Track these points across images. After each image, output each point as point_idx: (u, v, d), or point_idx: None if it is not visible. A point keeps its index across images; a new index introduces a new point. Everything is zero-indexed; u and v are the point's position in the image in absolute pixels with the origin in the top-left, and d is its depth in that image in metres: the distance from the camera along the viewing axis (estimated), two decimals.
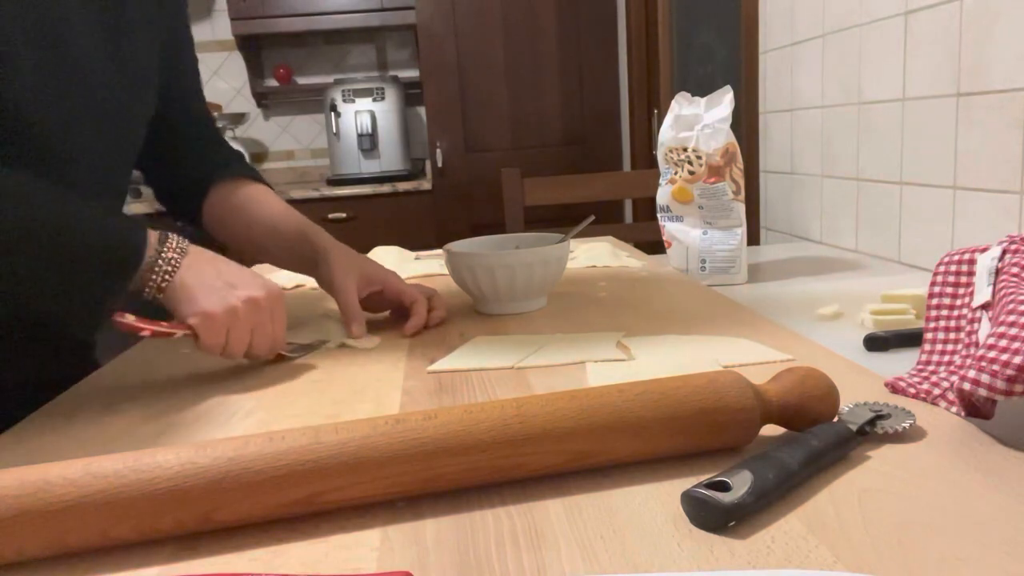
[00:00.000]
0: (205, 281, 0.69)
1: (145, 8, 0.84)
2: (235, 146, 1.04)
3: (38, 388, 0.75)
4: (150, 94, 0.87)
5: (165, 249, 0.69)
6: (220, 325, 0.69)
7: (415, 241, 1.80)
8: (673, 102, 1.16)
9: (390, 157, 3.25)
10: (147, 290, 0.68)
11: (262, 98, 3.47)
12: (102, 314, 0.66)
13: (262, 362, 0.77)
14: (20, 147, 0.70)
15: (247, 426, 0.60)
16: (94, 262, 0.66)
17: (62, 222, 0.66)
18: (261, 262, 0.98)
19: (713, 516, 0.40)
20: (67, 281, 0.66)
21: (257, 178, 0.98)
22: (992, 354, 0.47)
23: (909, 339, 0.76)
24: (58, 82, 0.73)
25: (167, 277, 0.68)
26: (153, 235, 0.70)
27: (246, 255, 0.95)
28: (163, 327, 0.69)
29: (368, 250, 1.41)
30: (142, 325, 0.67)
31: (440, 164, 3.02)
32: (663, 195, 1.18)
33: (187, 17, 0.96)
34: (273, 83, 3.48)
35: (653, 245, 1.41)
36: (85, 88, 0.76)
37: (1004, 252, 0.56)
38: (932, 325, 0.61)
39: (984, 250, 0.59)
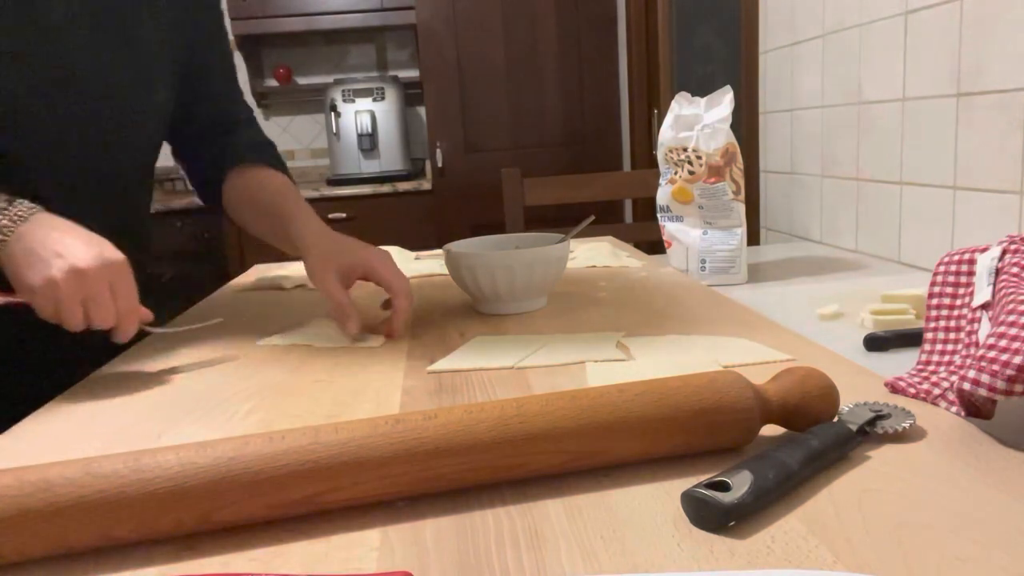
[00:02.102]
0: (32, 250, 0.66)
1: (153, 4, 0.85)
2: None
3: (71, 365, 0.76)
4: (162, 85, 0.87)
5: (1, 216, 0.67)
6: (45, 298, 0.66)
7: (415, 241, 1.80)
8: (673, 102, 1.16)
9: (390, 157, 3.25)
10: None
11: (262, 98, 3.47)
12: None
13: (133, 337, 0.73)
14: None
15: (247, 426, 0.60)
16: None
17: None
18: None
19: (713, 516, 0.40)
20: None
21: (274, 164, 0.99)
22: (992, 354, 0.47)
23: (909, 339, 0.76)
24: (48, 82, 0.73)
25: None
26: None
27: (265, 240, 0.96)
28: None
29: None
30: None
31: (440, 164, 3.02)
32: (663, 195, 1.18)
33: (219, 13, 0.98)
34: (273, 83, 3.48)
35: (653, 245, 1.41)
36: (73, 78, 0.76)
37: (1004, 252, 0.56)
38: (932, 325, 0.61)
39: (984, 250, 0.59)
